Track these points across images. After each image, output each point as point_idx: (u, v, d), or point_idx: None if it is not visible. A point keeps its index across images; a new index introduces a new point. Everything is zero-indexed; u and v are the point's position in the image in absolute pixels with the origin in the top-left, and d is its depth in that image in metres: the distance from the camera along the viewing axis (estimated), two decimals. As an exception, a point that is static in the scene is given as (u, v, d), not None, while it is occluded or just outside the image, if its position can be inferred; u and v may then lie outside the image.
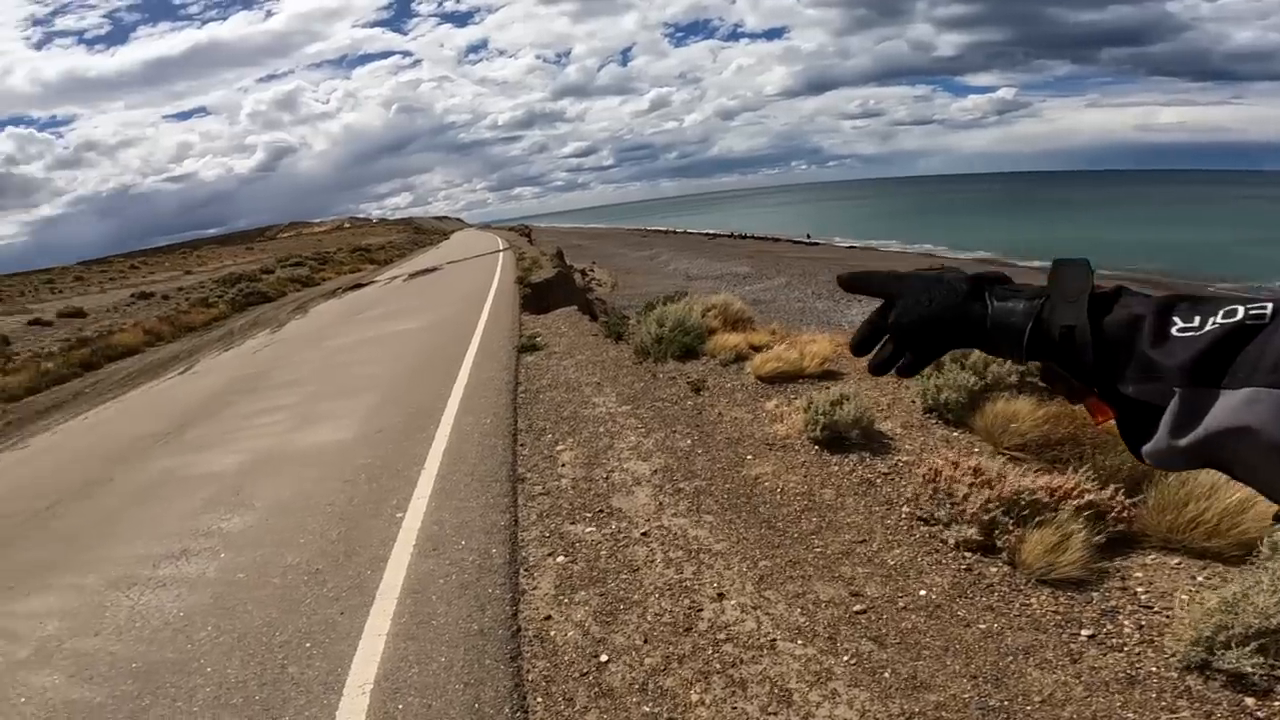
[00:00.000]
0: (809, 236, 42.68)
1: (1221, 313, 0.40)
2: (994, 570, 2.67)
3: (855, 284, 0.58)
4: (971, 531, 2.75)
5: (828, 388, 4.47)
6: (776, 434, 4.16)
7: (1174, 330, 0.41)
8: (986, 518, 2.73)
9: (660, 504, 3.50)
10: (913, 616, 2.48)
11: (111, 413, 8.33)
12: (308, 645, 2.66)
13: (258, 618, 2.90)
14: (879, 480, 3.50)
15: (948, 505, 2.91)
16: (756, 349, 5.68)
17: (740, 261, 30.57)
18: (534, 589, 2.89)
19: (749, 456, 3.95)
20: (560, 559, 3.10)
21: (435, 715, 2.22)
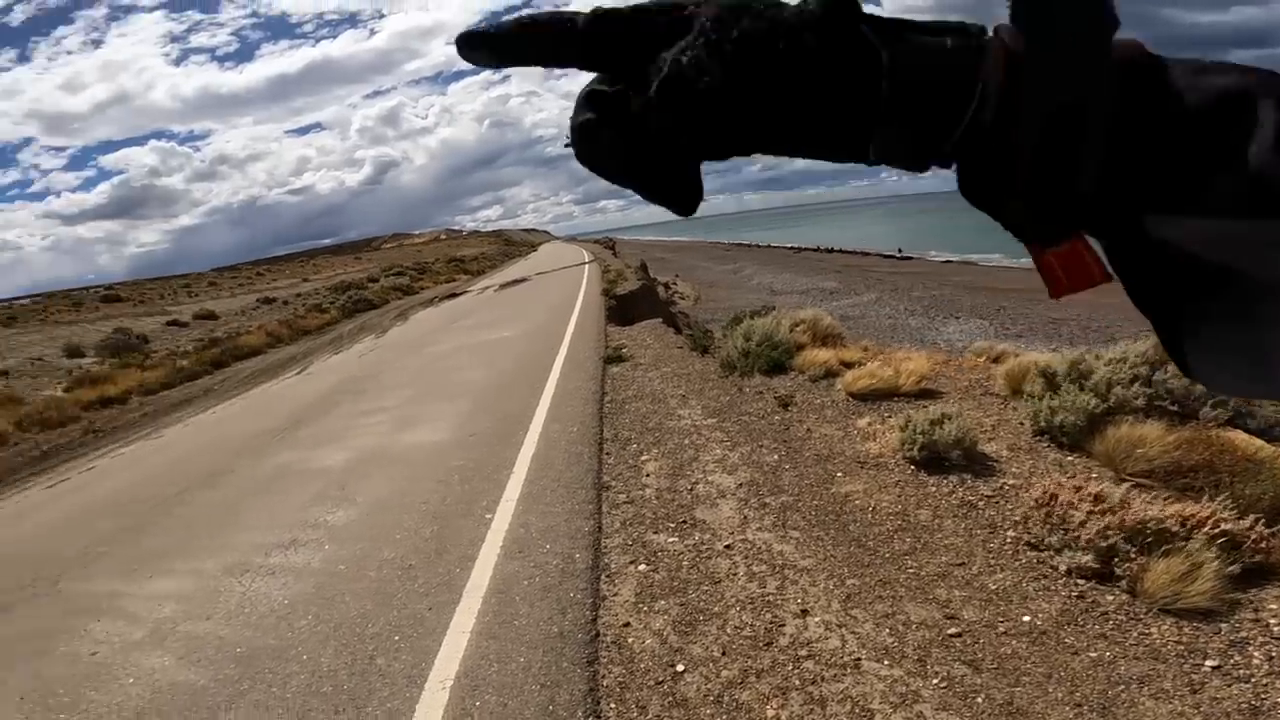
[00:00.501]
0: (900, 251, 40.95)
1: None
2: (1110, 599, 2.50)
3: (495, 46, 0.30)
4: (1087, 558, 2.60)
5: (926, 407, 4.27)
6: (869, 452, 4.02)
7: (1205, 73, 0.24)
8: (1105, 545, 2.58)
9: (745, 518, 3.46)
10: (1013, 642, 2.34)
11: (236, 408, 9.13)
12: (396, 639, 2.78)
13: (353, 609, 3.05)
14: (981, 503, 3.32)
15: (1061, 531, 2.74)
16: (848, 365, 5.51)
17: (827, 276, 29.78)
18: (614, 595, 2.91)
19: (839, 474, 3.85)
20: (642, 567, 3.12)
21: (510, 714, 2.27)
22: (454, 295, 22.55)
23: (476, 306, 17.00)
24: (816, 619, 2.60)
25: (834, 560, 2.99)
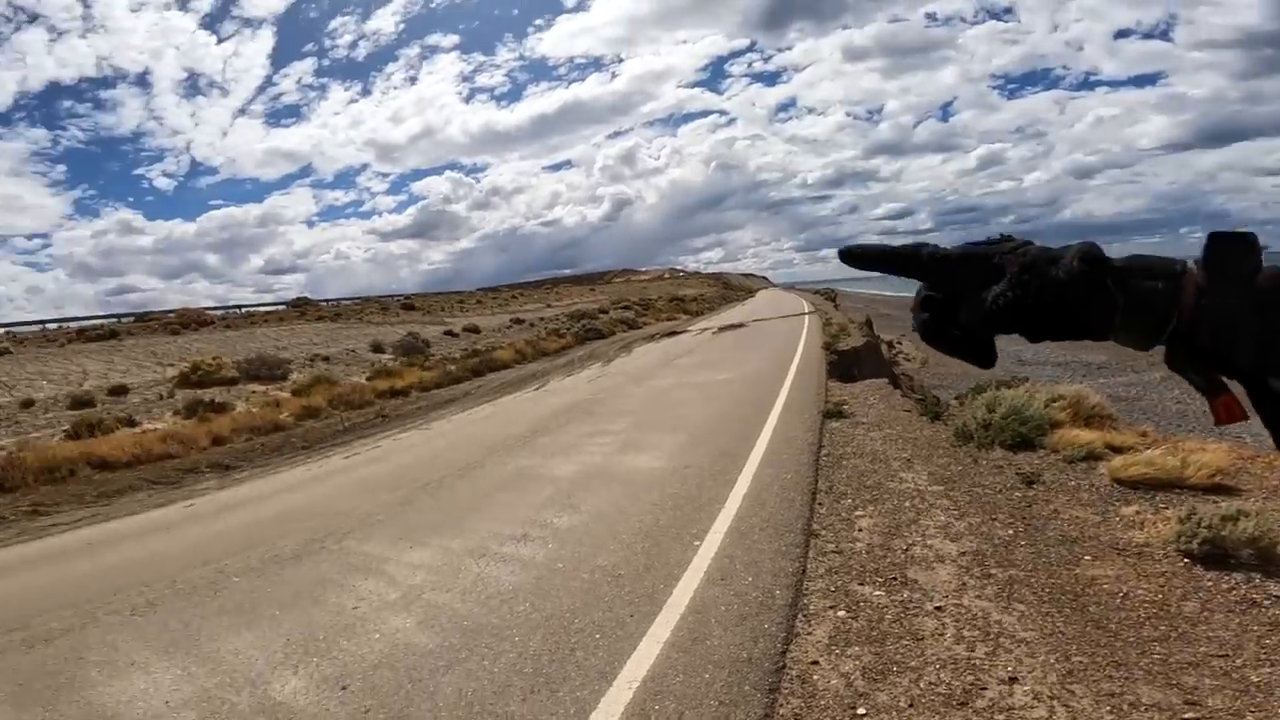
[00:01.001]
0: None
1: None
2: None
3: (864, 260, 0.50)
4: None
5: (1217, 502, 3.64)
6: (1131, 540, 3.54)
7: None
8: None
9: (964, 584, 3.24)
10: None
11: (487, 413, 10.56)
12: (597, 637, 3.01)
13: (565, 604, 3.35)
14: (1268, 602, 2.83)
15: None
16: (1116, 449, 4.78)
17: (1094, 349, 25.59)
18: (808, 634, 2.91)
19: (1086, 557, 3.44)
20: (841, 613, 3.06)
21: None
22: (674, 333, 23.66)
23: (695, 346, 17.66)
24: (1025, 688, 2.41)
25: (1061, 637, 2.74)
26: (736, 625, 2.99)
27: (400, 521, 5.06)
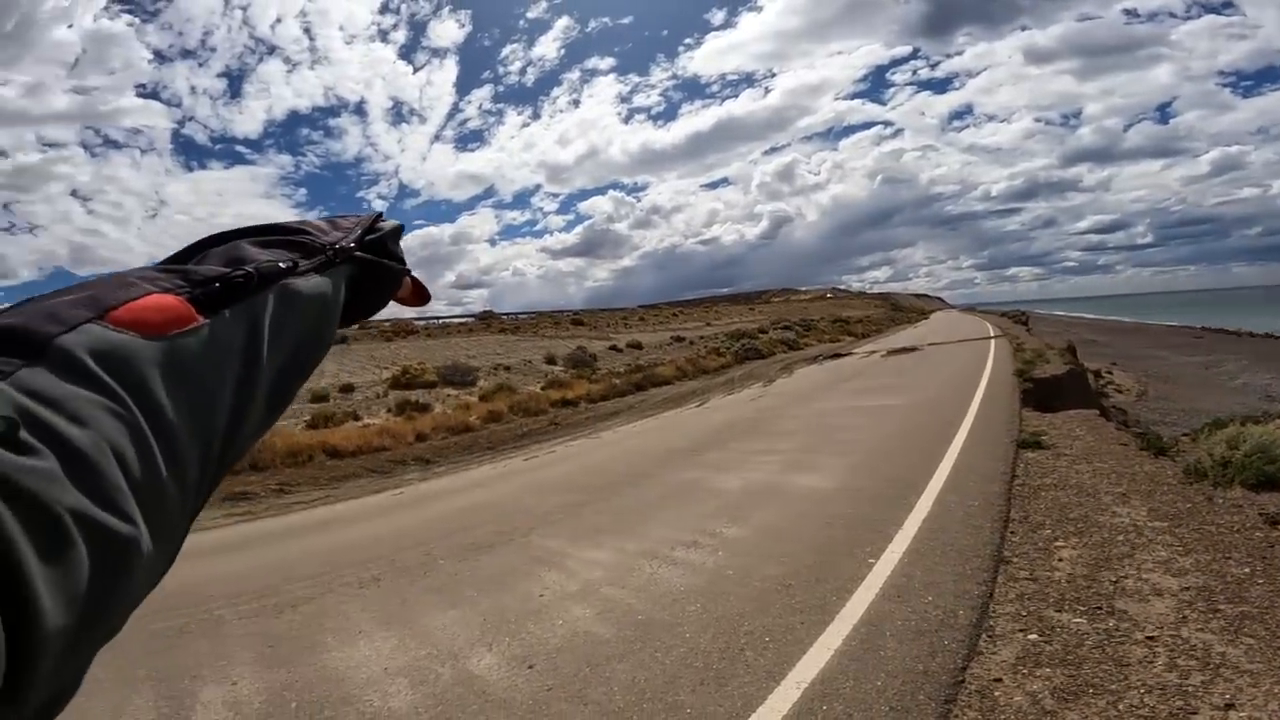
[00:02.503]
0: None
1: None
2: None
3: None
4: None
5: None
6: None
7: None
8: None
9: (1183, 616, 2.90)
10: None
11: (652, 426, 10.93)
12: (766, 639, 3.05)
13: (735, 608, 3.42)
14: None
15: None
16: None
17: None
18: (992, 654, 2.77)
19: None
20: (1032, 636, 2.88)
21: None
22: (838, 355, 22.75)
23: (862, 369, 16.87)
24: (1243, 714, 2.17)
25: None
26: (914, 640, 2.91)
27: (577, 522, 5.40)
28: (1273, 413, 6.38)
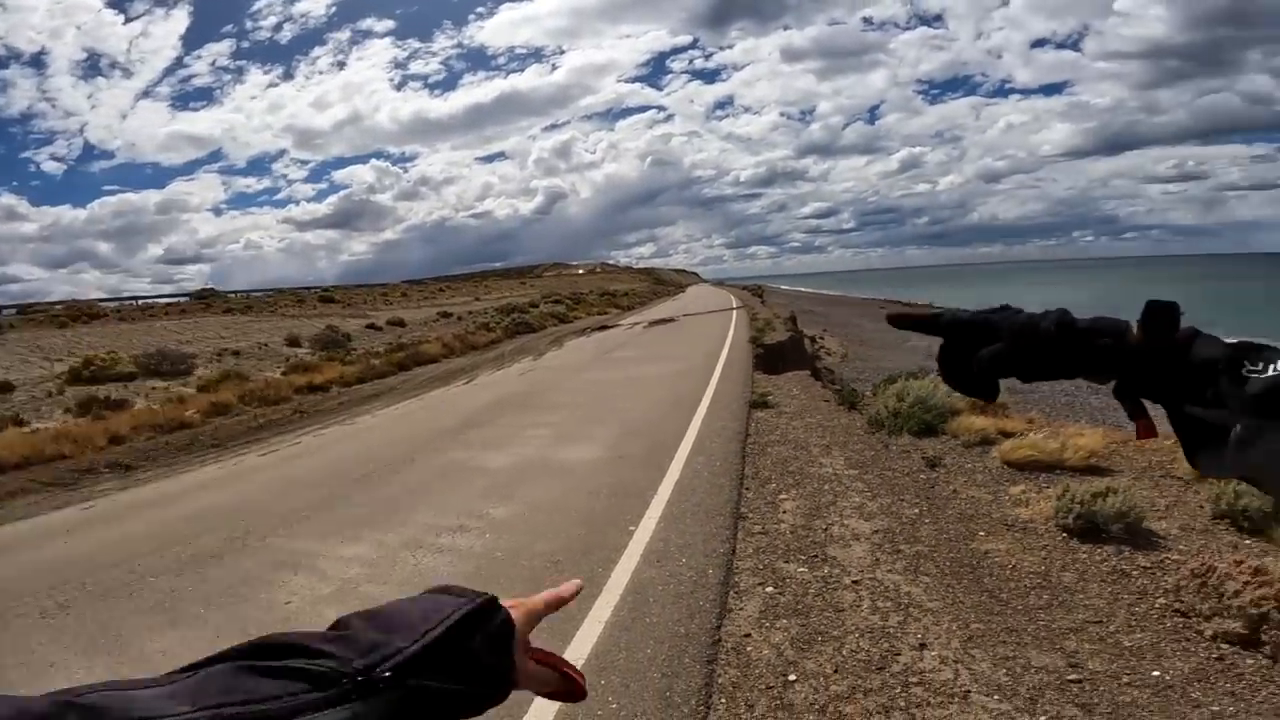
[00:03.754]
0: (1088, 323, 36.56)
1: None
2: (1250, 662, 2.47)
3: (902, 322, 0.65)
4: (1235, 625, 2.62)
5: (1091, 481, 4.11)
6: (1018, 516, 3.98)
7: (1244, 370, 0.49)
8: (1256, 613, 2.58)
9: (877, 559, 3.56)
10: (1135, 692, 2.35)
11: (415, 407, 10.33)
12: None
13: (506, 590, 3.32)
14: (1135, 572, 3.24)
15: (1214, 599, 2.73)
16: (1007, 435, 5.31)
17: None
18: (740, 609, 3.12)
19: (981, 533, 3.83)
20: (769, 589, 3.30)
21: (631, 694, 2.51)
22: (605, 328, 23.76)
23: (627, 340, 17.85)
24: (934, 653, 2.68)
25: (962, 606, 3.05)
26: (674, 604, 3.17)
27: (329, 517, 4.95)
28: (929, 369, 8.22)
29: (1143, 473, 4.56)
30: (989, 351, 0.59)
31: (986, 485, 4.58)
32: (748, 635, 2.90)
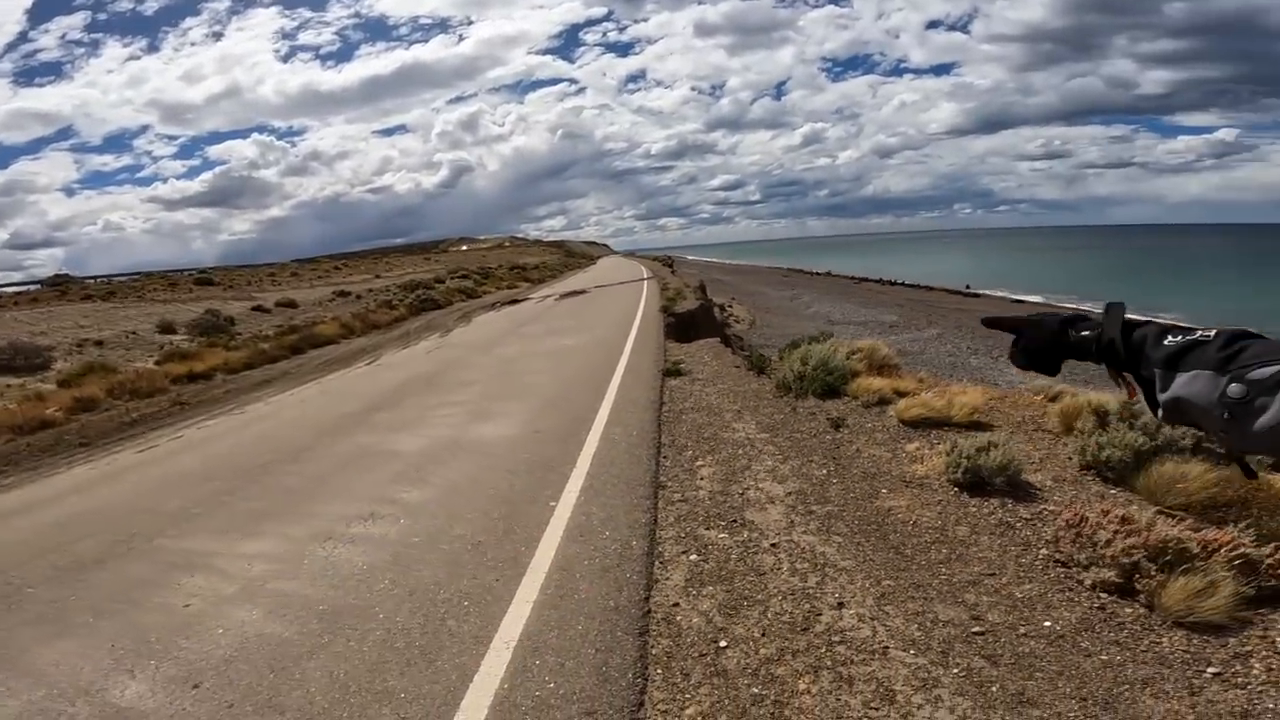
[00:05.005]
0: (968, 288, 39.85)
1: (1190, 335, 0.72)
2: (1128, 611, 2.68)
3: (993, 323, 0.92)
4: (1110, 574, 2.79)
5: (974, 436, 4.42)
6: (914, 473, 4.23)
7: (1165, 342, 0.73)
8: (1128, 562, 2.76)
9: (791, 521, 3.70)
10: (1032, 643, 2.53)
11: (313, 392, 9.73)
12: (466, 604, 3.04)
13: (427, 576, 3.32)
14: (1019, 524, 3.49)
15: (1089, 549, 2.92)
16: (901, 394, 5.66)
17: (888, 309, 29.34)
18: (666, 579, 3.18)
19: (883, 490, 4.05)
20: (693, 557, 3.37)
21: (567, 673, 2.52)
22: (515, 301, 23.28)
23: (538, 314, 17.57)
24: (851, 611, 2.83)
25: (872, 564, 3.22)
26: (601, 578, 3.18)
27: (223, 513, 4.60)
28: (828, 333, 8.65)
29: (1018, 427, 4.96)
30: (1023, 343, 0.86)
31: (886, 444, 4.85)
32: (676, 604, 2.96)
